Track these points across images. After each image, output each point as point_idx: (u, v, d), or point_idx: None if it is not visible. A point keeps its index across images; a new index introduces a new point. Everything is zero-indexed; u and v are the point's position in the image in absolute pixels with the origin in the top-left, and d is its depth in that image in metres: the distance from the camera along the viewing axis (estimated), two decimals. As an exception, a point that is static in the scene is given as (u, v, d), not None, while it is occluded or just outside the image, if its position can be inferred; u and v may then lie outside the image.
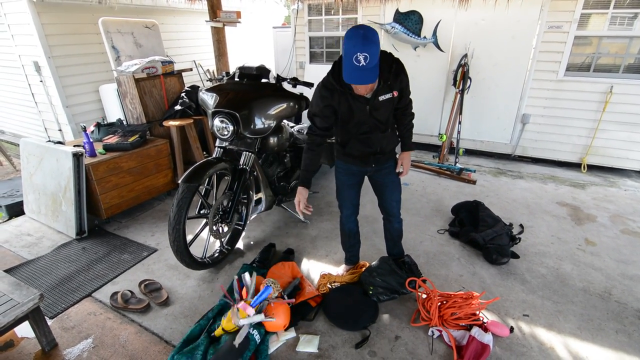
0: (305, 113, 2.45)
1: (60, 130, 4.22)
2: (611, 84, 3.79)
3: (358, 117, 1.76)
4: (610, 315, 2.06)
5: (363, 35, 1.41)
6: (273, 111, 2.42)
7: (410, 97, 1.90)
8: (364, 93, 1.66)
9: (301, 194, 1.90)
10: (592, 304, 2.15)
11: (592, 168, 4.24)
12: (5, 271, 2.41)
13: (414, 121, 1.99)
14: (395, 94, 1.73)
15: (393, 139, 1.98)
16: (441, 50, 4.34)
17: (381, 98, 1.71)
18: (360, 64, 1.42)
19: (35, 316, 1.79)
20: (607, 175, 4.12)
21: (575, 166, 4.31)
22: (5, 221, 3.15)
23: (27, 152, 3.06)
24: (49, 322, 2.03)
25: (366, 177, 2.10)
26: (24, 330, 1.91)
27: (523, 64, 4.07)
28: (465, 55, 4.08)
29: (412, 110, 1.96)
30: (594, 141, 4.06)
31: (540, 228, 2.98)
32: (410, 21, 4.27)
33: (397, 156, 2.06)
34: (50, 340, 1.87)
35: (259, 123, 2.34)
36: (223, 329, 1.78)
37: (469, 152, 4.73)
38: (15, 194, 3.41)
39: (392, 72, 1.67)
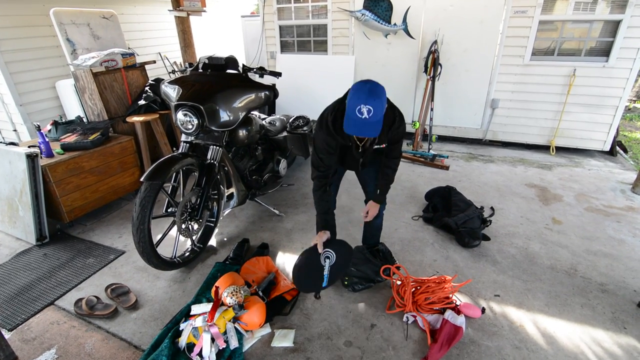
0: (278, 105, 2.38)
1: (15, 130, 3.95)
2: (574, 67, 3.91)
3: (347, 161, 1.91)
4: (576, 291, 2.15)
5: (369, 90, 1.42)
6: (240, 103, 2.34)
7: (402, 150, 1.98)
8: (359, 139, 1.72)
9: (320, 237, 1.82)
10: (559, 281, 2.23)
11: (559, 150, 4.39)
12: (-43, 284, 2.25)
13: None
14: (383, 146, 1.80)
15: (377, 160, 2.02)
16: (412, 37, 4.33)
17: (375, 147, 1.76)
18: (363, 117, 1.42)
19: (-12, 330, 1.68)
20: (573, 156, 4.28)
21: (543, 148, 4.45)
22: (-43, 230, 2.93)
23: (-23, 155, 2.84)
24: (8, 334, 1.91)
25: None
26: (-21, 345, 1.78)
27: (491, 49, 4.12)
28: (435, 42, 4.09)
29: (399, 161, 1.99)
30: (560, 123, 4.19)
31: (510, 209, 3.06)
32: (380, 8, 4.23)
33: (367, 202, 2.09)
34: (9, 354, 1.75)
35: (225, 115, 2.26)
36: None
37: (442, 139, 4.79)
38: (-32, 201, 3.17)
39: (392, 128, 1.69)
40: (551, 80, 4.05)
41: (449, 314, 1.86)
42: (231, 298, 1.82)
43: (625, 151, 4.60)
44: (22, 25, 3.68)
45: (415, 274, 2.25)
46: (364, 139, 1.69)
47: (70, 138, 2.96)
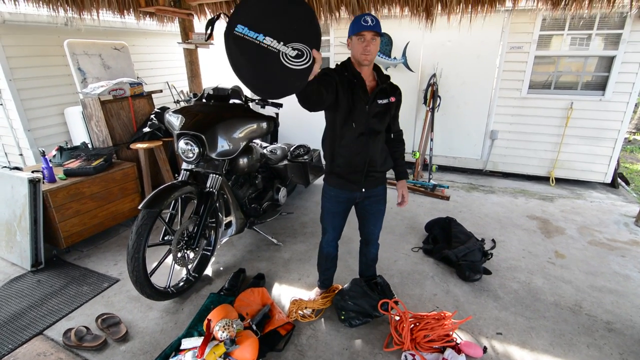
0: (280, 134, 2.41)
1: (21, 155, 4.02)
2: (571, 100, 3.98)
3: (356, 112, 1.72)
4: (581, 329, 2.07)
5: (367, 14, 1.65)
6: (241, 133, 2.38)
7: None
8: (368, 81, 1.74)
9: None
10: (564, 318, 2.15)
11: (560, 181, 4.38)
12: (-53, 311, 2.21)
13: None
14: (393, 99, 1.81)
15: (386, 157, 1.93)
16: (411, 70, 4.46)
17: (379, 101, 1.77)
18: (368, 24, 1.61)
19: (-28, 362, 1.63)
20: (574, 188, 4.26)
21: (544, 180, 4.45)
22: (-46, 254, 2.92)
23: (-20, 179, 2.88)
24: (-8, 366, 1.85)
25: None
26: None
27: (489, 82, 4.23)
28: (434, 75, 4.20)
29: (402, 134, 2.06)
30: (559, 155, 4.21)
31: (512, 242, 3.01)
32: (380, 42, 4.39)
33: (396, 185, 2.05)
34: (-10, 388, 1.69)
35: (225, 145, 2.29)
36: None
37: (442, 168, 4.81)
38: (-32, 224, 3.18)
39: (388, 81, 1.82)
40: (549, 113, 4.11)
41: (449, 353, 1.79)
42: (223, 332, 1.76)
43: (627, 183, 4.58)
44: (36, 55, 3.84)
45: (415, 309, 2.18)
46: (367, 86, 1.74)
47: (74, 164, 3.00)
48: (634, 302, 2.29)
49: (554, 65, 4.03)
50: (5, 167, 2.89)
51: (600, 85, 3.93)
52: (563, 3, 2.77)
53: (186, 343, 1.80)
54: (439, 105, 4.26)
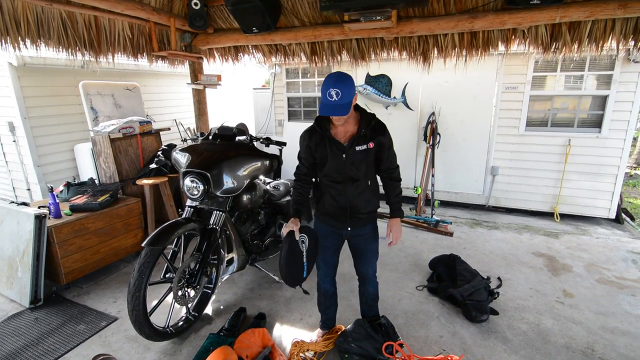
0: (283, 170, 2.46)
1: (28, 189, 4.09)
2: (569, 137, 4.07)
3: (333, 163, 1.83)
4: (596, 375, 1.98)
5: (337, 76, 1.64)
6: (244, 170, 2.44)
7: (397, 162, 1.99)
8: (341, 136, 1.81)
9: (293, 222, 1.87)
10: (576, 363, 2.06)
11: (564, 216, 4.36)
12: (-60, 351, 2.16)
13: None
14: (371, 145, 1.82)
15: (369, 199, 1.91)
16: (410, 109, 4.61)
17: (357, 148, 1.80)
18: (333, 99, 1.61)
19: (-39, 408, 1.57)
20: (579, 223, 4.23)
21: (548, 215, 4.43)
22: (-47, 290, 2.89)
23: (-12, 214, 2.92)
24: (-20, 412, 1.78)
25: None
26: None
27: (486, 120, 4.35)
28: (433, 114, 4.34)
29: (400, 177, 1.99)
30: (562, 190, 4.23)
31: (518, 280, 2.95)
32: (380, 83, 4.58)
33: (387, 223, 2.02)
34: None
35: (229, 182, 2.34)
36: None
37: (445, 204, 4.82)
38: (-31, 259, 3.17)
39: (370, 125, 1.81)
40: (548, 150, 4.19)
41: (457, 401, 1.70)
42: None
43: (632, 219, 4.54)
44: (51, 95, 4.03)
45: (420, 352, 2.11)
46: (345, 135, 1.82)
47: (80, 199, 3.05)
48: (649, 346, 2.20)
49: (550, 102, 4.17)
50: (13, 202, 2.94)
51: (596, 123, 4.03)
52: (553, 47, 2.92)
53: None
54: (438, 142, 4.36)
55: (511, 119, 4.26)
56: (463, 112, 4.41)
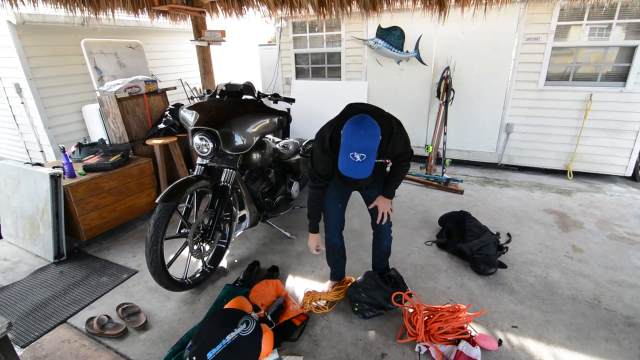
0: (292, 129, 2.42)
1: (42, 151, 4.16)
2: (590, 92, 3.87)
3: (347, 178, 1.84)
4: (600, 324, 2.03)
5: (363, 136, 1.45)
6: (253, 128, 2.41)
7: (411, 151, 1.87)
8: None
9: (312, 240, 2.01)
10: (581, 312, 2.11)
11: (578, 174, 4.28)
12: (-23, 299, 2.32)
13: None
14: (388, 161, 1.80)
15: (381, 173, 1.97)
16: (424, 64, 4.41)
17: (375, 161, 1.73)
18: (356, 160, 1.46)
19: (2, 346, 1.70)
20: (593, 181, 4.15)
21: (561, 173, 4.35)
22: (-18, 246, 3.05)
23: (5, 174, 2.99)
24: (20, 351, 1.94)
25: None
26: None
27: (504, 74, 4.14)
28: (448, 68, 4.15)
29: (409, 166, 1.92)
30: (577, 148, 4.11)
31: (528, 236, 2.96)
32: (392, 36, 4.35)
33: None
34: (19, 372, 1.77)
35: (239, 140, 2.32)
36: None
37: (456, 162, 4.75)
38: (-7, 218, 3.31)
39: (389, 143, 1.68)
40: (567, 105, 4.01)
41: (463, 345, 1.78)
42: None
43: (649, 177, 4.43)
44: (54, 55, 3.95)
45: (428, 302, 2.18)
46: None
47: (93, 159, 3.09)
48: (656, 297, 2.23)
49: (572, 56, 3.92)
50: (28, 163, 3.00)
51: (621, 77, 3.80)
52: (582, -10, 2.69)
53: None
54: (452, 98, 4.20)
55: (530, 72, 4.04)
56: (480, 66, 4.20)
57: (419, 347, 1.84)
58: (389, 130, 1.68)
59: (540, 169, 4.45)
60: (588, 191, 3.88)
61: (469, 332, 1.90)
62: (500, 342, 1.87)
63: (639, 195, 3.75)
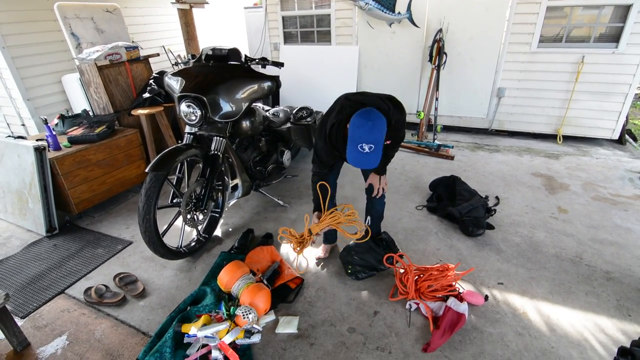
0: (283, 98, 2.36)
1: (23, 124, 4.01)
2: (583, 54, 3.83)
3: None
4: (581, 279, 2.14)
5: (371, 128, 1.46)
6: (242, 93, 2.35)
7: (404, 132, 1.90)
8: None
9: (314, 216, 2.01)
10: (564, 269, 2.22)
11: (567, 139, 4.33)
12: (-29, 274, 2.32)
13: None
14: (388, 142, 1.78)
15: None
16: (416, 26, 4.27)
17: None
18: (364, 152, 1.48)
19: (1, 316, 1.73)
20: (581, 145, 4.22)
21: (551, 138, 4.39)
22: (-30, 222, 3.01)
23: (-13, 149, 2.90)
24: (21, 322, 1.97)
25: None
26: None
27: (497, 36, 4.05)
28: (440, 30, 4.03)
29: (401, 142, 1.96)
30: (568, 112, 4.12)
31: (515, 199, 3.03)
32: (383, -4, 4.17)
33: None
34: (21, 340, 1.81)
35: (227, 106, 2.27)
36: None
37: (447, 129, 4.75)
38: (-20, 194, 3.24)
39: (388, 132, 1.66)
40: (559, 68, 3.98)
41: (451, 302, 1.87)
42: (247, 316, 1.75)
43: (635, 140, 4.51)
44: (26, 21, 3.71)
45: (419, 263, 2.26)
46: None
47: (77, 131, 3.00)
48: (634, 253, 2.34)
49: (566, 18, 3.83)
50: (10, 136, 2.90)
51: (614, 37, 3.75)
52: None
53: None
54: (444, 62, 4.12)
55: (524, 34, 3.96)
56: (473, 28, 4.09)
57: (410, 305, 1.92)
58: (388, 119, 1.68)
59: (530, 133, 4.48)
60: (575, 155, 3.95)
61: (457, 289, 1.98)
62: (486, 297, 1.97)
63: (624, 158, 3.84)
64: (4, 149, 2.78)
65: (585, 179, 3.36)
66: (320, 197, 1.96)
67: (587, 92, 3.98)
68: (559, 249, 2.41)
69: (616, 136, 4.12)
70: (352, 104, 1.67)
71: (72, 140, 2.88)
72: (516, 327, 1.81)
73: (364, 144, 1.47)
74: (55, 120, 3.19)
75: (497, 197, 3.04)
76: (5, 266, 2.43)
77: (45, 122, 2.75)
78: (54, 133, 2.76)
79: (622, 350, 1.49)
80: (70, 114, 3.27)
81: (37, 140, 2.84)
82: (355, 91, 1.91)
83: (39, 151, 2.59)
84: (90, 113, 3.51)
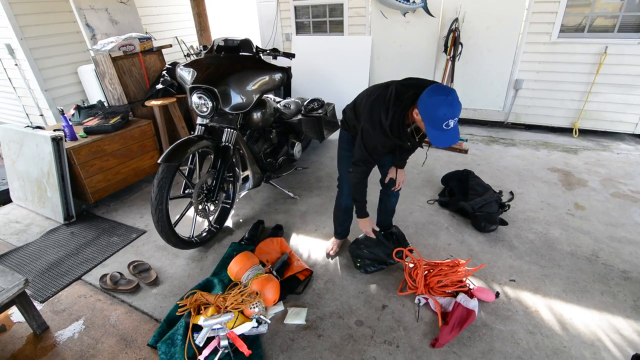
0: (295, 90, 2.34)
1: (41, 115, 4.11)
2: (606, 44, 3.67)
3: (398, 153, 1.97)
4: (596, 277, 2.08)
5: (452, 101, 1.37)
6: (253, 85, 2.34)
7: None
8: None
9: (365, 223, 2.02)
10: (579, 267, 2.16)
11: (585, 132, 4.19)
12: (-6, 259, 2.41)
13: None
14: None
15: None
16: (431, 15, 4.16)
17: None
18: (450, 128, 1.40)
19: (22, 301, 1.80)
20: (601, 140, 4.07)
21: (569, 131, 4.25)
22: (-7, 209, 3.12)
23: (8, 138, 2.99)
24: (40, 306, 2.05)
25: None
26: (19, 315, 1.92)
27: (516, 26, 3.91)
28: (456, 20, 3.92)
29: None
30: (587, 105, 3.98)
31: (531, 194, 2.96)
32: (398, -15, 4.07)
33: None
34: (40, 324, 1.89)
35: (238, 98, 2.26)
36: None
37: (462, 121, 4.65)
38: (1, 182, 3.36)
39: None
40: (580, 59, 3.82)
41: (461, 297, 1.85)
42: (255, 307, 1.77)
43: (659, 134, 4.33)
44: (43, 12, 3.76)
45: (429, 258, 2.24)
46: (421, 132, 1.69)
47: (92, 122, 3.05)
48: (654, 252, 2.27)
49: (590, 7, 3.67)
50: (28, 126, 2.98)
51: (639, 27, 3.58)
52: None
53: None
54: (460, 53, 4.01)
55: (544, 24, 3.81)
56: (490, 17, 3.96)
57: (419, 299, 1.91)
58: None
59: (548, 127, 4.35)
60: (595, 149, 3.82)
61: (468, 285, 1.96)
62: (497, 294, 1.94)
63: (647, 153, 3.69)
64: (23, 139, 2.86)
65: (605, 175, 3.26)
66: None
67: (609, 85, 3.83)
68: (574, 246, 2.35)
69: (639, 130, 3.97)
70: (408, 88, 1.55)
71: (88, 131, 2.93)
72: (527, 325, 1.78)
73: (449, 120, 1.37)
74: (72, 111, 3.26)
75: (511, 193, 2.98)
76: (26, 252, 2.52)
77: (62, 112, 2.81)
78: (70, 123, 2.82)
79: (637, 357, 1.45)
80: (86, 105, 3.33)
81: (54, 130, 2.90)
82: (377, 83, 1.82)
83: (56, 141, 2.66)
84: (105, 104, 3.57)
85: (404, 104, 1.54)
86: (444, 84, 4.10)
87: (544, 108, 4.21)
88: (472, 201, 2.63)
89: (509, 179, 3.24)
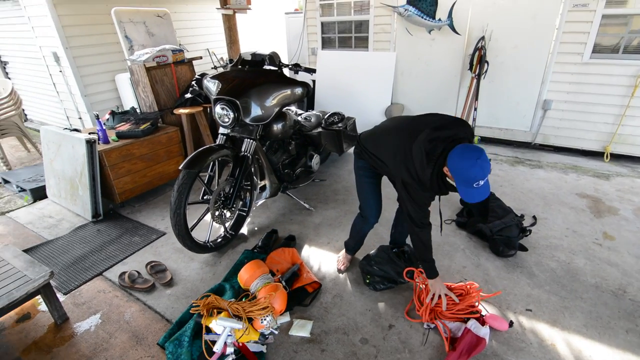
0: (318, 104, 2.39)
1: (80, 118, 4.40)
2: (643, 66, 3.51)
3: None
4: (622, 314, 1.96)
5: (481, 164, 1.41)
6: (273, 99, 2.41)
7: None
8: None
9: (438, 283, 1.91)
10: (603, 301, 2.04)
11: (618, 157, 3.98)
12: (26, 250, 2.58)
13: None
14: None
15: None
16: (457, 33, 4.15)
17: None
18: (479, 186, 1.45)
19: (46, 291, 1.91)
20: (636, 166, 3.86)
21: (600, 155, 4.06)
22: (31, 204, 3.35)
23: (47, 139, 3.22)
24: (63, 297, 2.17)
25: None
26: (43, 305, 2.04)
27: (545, 46, 3.83)
28: (483, 38, 3.88)
29: None
30: (620, 129, 3.79)
31: (555, 220, 2.84)
32: (424, 3, 4.10)
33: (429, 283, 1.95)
34: (61, 314, 1.99)
35: (258, 110, 2.34)
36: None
37: (486, 140, 4.55)
38: (40, 179, 3.60)
39: None
40: (614, 81, 3.67)
41: (472, 324, 1.79)
42: (264, 320, 1.77)
43: None
44: (87, 24, 4.08)
45: (441, 279, 2.18)
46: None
47: (124, 127, 3.24)
48: (689, 290, 2.10)
49: (626, 26, 3.53)
50: (66, 128, 3.20)
51: (682, 49, 3.40)
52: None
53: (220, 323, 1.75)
54: (486, 71, 3.96)
55: (575, 44, 3.70)
56: (518, 36, 3.89)
57: (428, 324, 1.87)
58: None
59: (578, 150, 4.17)
60: (629, 176, 3.62)
61: (480, 311, 1.90)
62: (511, 323, 1.87)
63: (688, 182, 3.46)
64: (61, 140, 3.07)
65: (638, 204, 3.07)
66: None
67: (647, 108, 3.64)
68: (599, 278, 2.22)
69: (679, 158, 3.73)
70: (437, 142, 1.54)
71: (120, 135, 3.11)
72: (541, 359, 1.70)
73: (480, 181, 1.43)
74: (107, 116, 3.47)
75: (534, 217, 2.87)
76: (55, 246, 2.68)
77: (97, 117, 3.01)
78: (104, 128, 3.01)
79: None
80: (120, 111, 3.54)
81: (89, 133, 3.10)
82: (407, 117, 1.82)
83: (90, 144, 2.84)
84: (138, 110, 3.77)
85: (438, 164, 1.53)
86: (469, 101, 4.05)
87: (574, 130, 4.05)
88: (491, 224, 2.56)
89: (533, 202, 3.12)
